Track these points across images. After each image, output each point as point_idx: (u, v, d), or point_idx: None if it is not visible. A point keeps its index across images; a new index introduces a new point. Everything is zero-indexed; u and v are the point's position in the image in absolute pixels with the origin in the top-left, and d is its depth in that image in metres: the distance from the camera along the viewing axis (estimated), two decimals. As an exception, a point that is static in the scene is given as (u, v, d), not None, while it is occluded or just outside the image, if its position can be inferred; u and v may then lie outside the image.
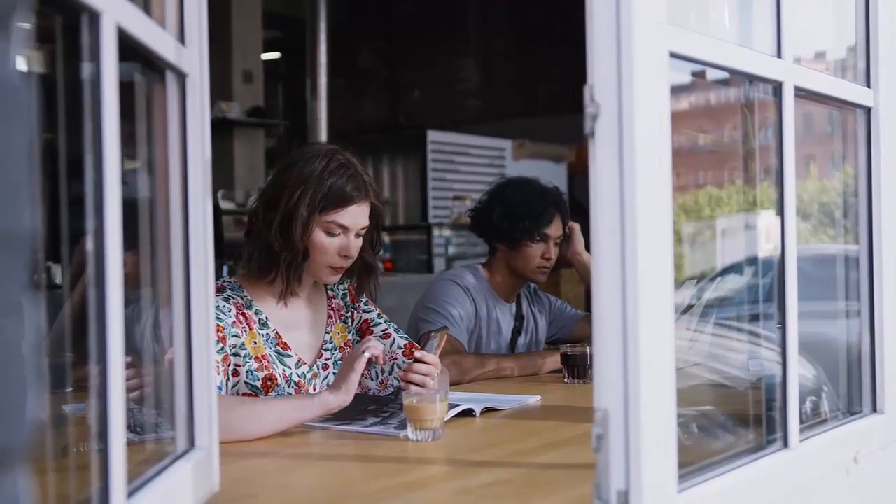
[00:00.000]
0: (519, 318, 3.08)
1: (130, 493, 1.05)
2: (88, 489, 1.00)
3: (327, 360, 2.29)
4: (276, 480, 1.62)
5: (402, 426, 1.88)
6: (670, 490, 1.18)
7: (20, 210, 0.56)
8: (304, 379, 2.22)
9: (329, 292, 2.36)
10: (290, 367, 2.19)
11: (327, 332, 2.31)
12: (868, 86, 1.74)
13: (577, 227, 3.05)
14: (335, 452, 1.77)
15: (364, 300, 2.38)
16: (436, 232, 7.28)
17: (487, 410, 2.15)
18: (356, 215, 2.16)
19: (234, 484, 1.48)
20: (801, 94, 1.52)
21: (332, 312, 2.33)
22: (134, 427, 1.26)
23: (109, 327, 0.97)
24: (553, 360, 2.78)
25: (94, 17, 0.95)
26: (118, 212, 0.98)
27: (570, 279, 5.93)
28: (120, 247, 0.98)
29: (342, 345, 2.32)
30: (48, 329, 1.86)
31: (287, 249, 2.13)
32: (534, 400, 2.31)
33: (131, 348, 1.02)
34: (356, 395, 2.07)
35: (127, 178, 1.07)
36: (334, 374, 2.26)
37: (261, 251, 2.16)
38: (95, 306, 0.96)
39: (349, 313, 2.36)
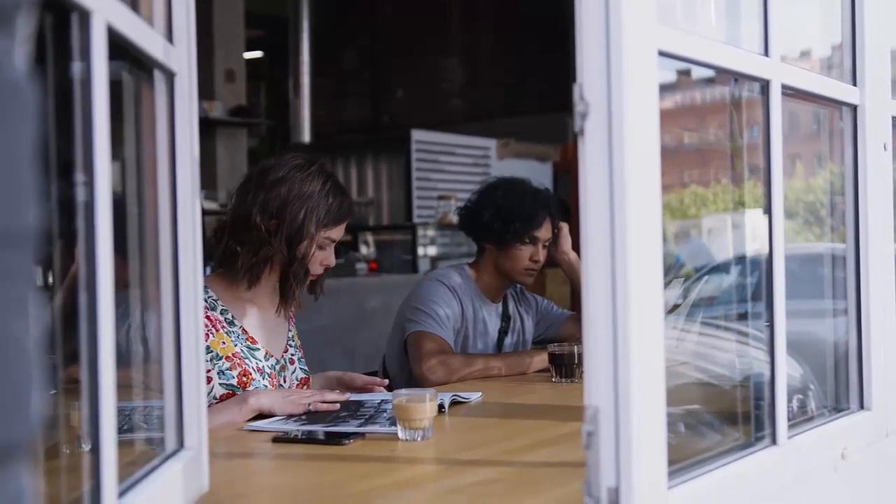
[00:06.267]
0: (506, 318, 3.08)
1: (121, 494, 1.04)
2: (78, 490, 1.00)
3: (292, 355, 2.38)
4: (265, 480, 1.61)
5: (394, 422, 1.88)
6: (661, 487, 1.19)
7: (25, 208, 0.56)
8: (275, 370, 2.28)
9: None
10: (260, 360, 2.25)
11: (290, 330, 2.41)
12: (854, 84, 1.75)
13: (565, 226, 3.05)
14: (324, 452, 1.76)
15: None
16: (420, 232, 7.26)
17: (455, 403, 2.20)
18: (343, 229, 2.29)
19: (223, 484, 1.47)
20: (788, 92, 1.52)
21: (291, 314, 2.42)
22: (122, 427, 1.26)
23: (100, 328, 0.96)
24: (540, 360, 2.78)
25: (85, 16, 0.95)
26: (108, 212, 0.97)
27: (555, 278, 5.93)
28: (110, 248, 0.97)
29: (298, 345, 2.43)
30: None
31: (296, 264, 2.21)
32: (476, 397, 2.33)
33: (118, 350, 1.02)
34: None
35: (113, 179, 1.06)
36: (301, 368, 2.38)
37: (263, 261, 2.21)
38: (86, 308, 0.95)
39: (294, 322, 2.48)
